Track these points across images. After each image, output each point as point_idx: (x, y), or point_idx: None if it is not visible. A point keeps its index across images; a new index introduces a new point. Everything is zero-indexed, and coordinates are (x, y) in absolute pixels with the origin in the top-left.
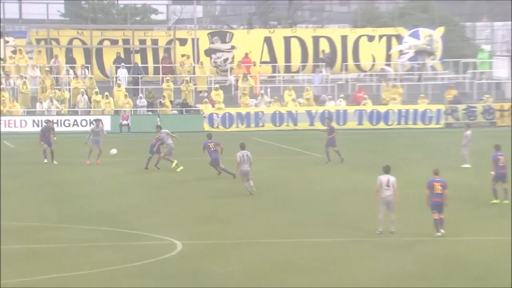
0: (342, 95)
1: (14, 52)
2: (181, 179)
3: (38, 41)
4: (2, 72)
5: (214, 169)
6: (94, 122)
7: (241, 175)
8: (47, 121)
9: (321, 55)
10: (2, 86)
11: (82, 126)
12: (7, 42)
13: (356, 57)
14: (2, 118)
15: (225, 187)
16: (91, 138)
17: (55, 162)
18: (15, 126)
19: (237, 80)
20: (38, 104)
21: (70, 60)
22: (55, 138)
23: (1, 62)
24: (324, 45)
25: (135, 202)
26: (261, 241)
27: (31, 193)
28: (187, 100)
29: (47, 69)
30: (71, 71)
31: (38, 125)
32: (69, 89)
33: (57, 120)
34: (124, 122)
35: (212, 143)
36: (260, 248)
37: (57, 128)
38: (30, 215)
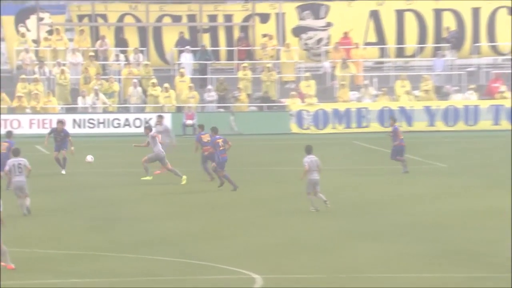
0: (472, 86)
1: (50, 32)
2: (255, 196)
3: (81, 17)
4: (35, 58)
5: (208, 174)
6: (156, 118)
7: (309, 186)
8: (58, 122)
9: (444, 34)
10: (35, 76)
11: (136, 126)
12: (42, 19)
13: (491, 36)
14: (35, 117)
15: (305, 206)
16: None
17: (63, 172)
18: (51, 127)
19: (333, 67)
20: (79, 98)
21: (121, 42)
22: (72, 148)
23: (35, 45)
24: (448, 21)
25: (199, 225)
26: (369, 275)
27: (71, 212)
28: (269, 94)
29: (92, 53)
30: (121, 57)
31: (79, 126)
32: (119, 79)
33: (104, 120)
34: (189, 121)
35: (221, 139)
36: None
37: (104, 129)
38: (72, 241)
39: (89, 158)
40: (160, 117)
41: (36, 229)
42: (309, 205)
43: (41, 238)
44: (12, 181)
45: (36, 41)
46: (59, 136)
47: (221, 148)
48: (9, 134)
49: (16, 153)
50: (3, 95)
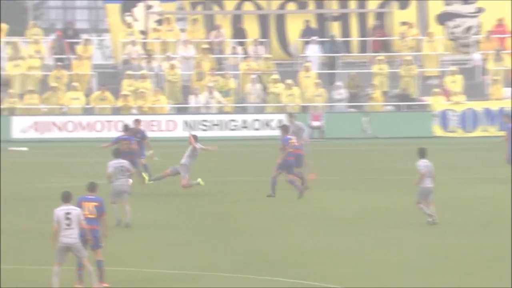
0: None
1: (159, 22)
2: (389, 207)
3: (194, 5)
4: (143, 52)
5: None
6: (289, 114)
7: (420, 194)
8: (135, 121)
9: None
10: (142, 72)
11: (254, 128)
12: (150, 7)
13: None
14: (142, 118)
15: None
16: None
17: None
18: (159, 130)
19: (485, 60)
20: (191, 97)
21: (238, 32)
22: (151, 152)
23: (142, 36)
24: None
25: (326, 242)
26: None
27: (177, 226)
28: (408, 90)
29: (205, 46)
30: (239, 49)
31: (191, 128)
32: (236, 75)
33: (218, 121)
34: (315, 123)
35: (294, 138)
36: None
37: (218, 132)
38: (182, 259)
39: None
40: (291, 116)
41: (138, 245)
42: (426, 217)
43: (145, 255)
44: (112, 185)
45: (144, 32)
46: (137, 138)
47: (291, 150)
48: (125, 128)
49: (117, 154)
50: (107, 93)
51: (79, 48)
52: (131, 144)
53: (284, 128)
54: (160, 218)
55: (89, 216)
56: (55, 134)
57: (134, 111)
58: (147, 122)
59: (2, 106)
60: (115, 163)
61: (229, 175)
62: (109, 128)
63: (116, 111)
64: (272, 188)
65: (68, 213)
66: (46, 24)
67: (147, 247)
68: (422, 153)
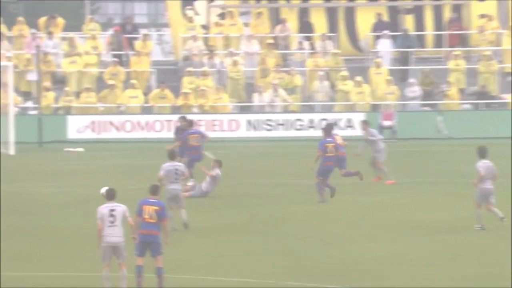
0: None
1: (222, 16)
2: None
3: None
4: (204, 47)
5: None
6: (363, 122)
7: (480, 196)
8: (180, 118)
9: None
10: (204, 68)
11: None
12: (212, 0)
13: None
14: (203, 117)
15: None
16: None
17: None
18: (221, 129)
19: None
20: (255, 95)
21: (305, 26)
22: (206, 153)
23: (204, 31)
24: None
25: (396, 249)
26: None
27: (240, 231)
28: (487, 88)
29: (270, 41)
30: (305, 44)
31: (255, 128)
32: (303, 71)
33: (283, 121)
34: (387, 122)
35: (333, 144)
36: None
37: (283, 132)
38: (246, 266)
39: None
40: (365, 123)
41: (198, 251)
42: (475, 222)
43: (205, 261)
44: (167, 189)
45: (206, 27)
46: (185, 138)
47: (329, 154)
48: (190, 123)
49: (173, 156)
50: (167, 91)
51: (137, 44)
52: (203, 138)
53: (325, 129)
54: (221, 222)
55: (149, 220)
56: (112, 134)
57: (195, 110)
58: (209, 121)
59: (57, 105)
60: (169, 165)
61: (295, 177)
62: (169, 127)
63: (176, 110)
64: (320, 194)
65: (112, 210)
66: (104, 19)
67: (208, 253)
68: (482, 153)
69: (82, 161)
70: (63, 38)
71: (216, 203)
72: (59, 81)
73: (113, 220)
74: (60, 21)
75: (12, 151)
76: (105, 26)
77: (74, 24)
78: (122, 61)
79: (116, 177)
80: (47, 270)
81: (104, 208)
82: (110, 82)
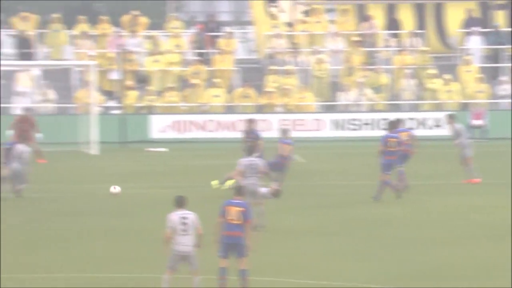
0: None
1: (306, 13)
2: None
3: None
4: (288, 45)
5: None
6: (448, 116)
7: None
8: (248, 121)
9: None
10: (288, 67)
11: (408, 128)
12: None
13: None
14: (287, 116)
15: None
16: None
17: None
18: (306, 129)
19: None
20: (340, 94)
21: (392, 23)
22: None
23: (288, 29)
24: None
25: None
26: None
27: (335, 236)
28: None
29: (356, 38)
30: (392, 41)
31: (340, 127)
32: (390, 70)
33: (370, 120)
34: (477, 122)
35: (395, 138)
36: None
37: (370, 132)
38: (339, 271)
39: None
40: (451, 117)
41: (285, 253)
42: None
43: (292, 264)
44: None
45: (290, 25)
46: (249, 139)
47: (391, 149)
48: (285, 132)
49: (251, 151)
50: (250, 90)
51: (221, 42)
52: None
53: (389, 124)
54: (310, 224)
55: (234, 222)
56: (195, 133)
57: (278, 109)
58: (293, 120)
59: (140, 104)
60: (246, 160)
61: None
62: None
63: (260, 109)
64: (379, 192)
65: (184, 218)
66: (187, 17)
67: (295, 256)
68: None
69: (165, 161)
70: (146, 37)
71: (306, 205)
72: (142, 80)
73: (185, 229)
74: (143, 19)
75: (95, 150)
76: (188, 24)
77: (157, 22)
78: (205, 59)
79: (198, 177)
80: (133, 271)
81: (175, 216)
82: (193, 81)
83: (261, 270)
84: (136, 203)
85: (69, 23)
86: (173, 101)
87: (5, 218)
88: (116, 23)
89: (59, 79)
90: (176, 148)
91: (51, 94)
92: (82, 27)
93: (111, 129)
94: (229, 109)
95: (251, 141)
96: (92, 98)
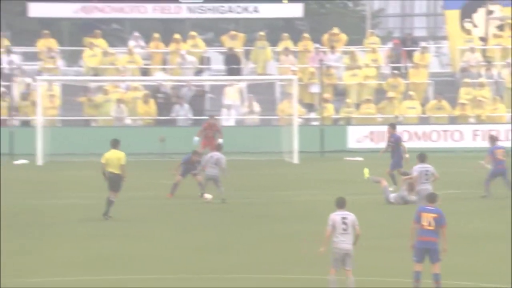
0: None
1: (500, 27)
2: None
3: None
4: (482, 59)
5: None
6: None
7: None
8: (390, 125)
9: None
10: (481, 80)
11: None
12: (491, 13)
13: None
14: (480, 127)
15: None
16: None
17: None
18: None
19: None
20: None
21: None
22: (407, 155)
23: (482, 43)
24: None
25: None
26: None
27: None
28: None
29: None
30: None
31: None
32: None
33: None
34: None
35: (502, 150)
36: None
37: None
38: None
39: (207, 196)
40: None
41: (472, 257)
42: None
43: (481, 268)
44: (418, 189)
45: (484, 39)
46: (390, 143)
47: (500, 158)
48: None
49: (422, 158)
50: (444, 102)
51: (416, 56)
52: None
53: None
54: (505, 229)
55: (428, 228)
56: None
57: (471, 120)
58: (485, 131)
59: (338, 116)
60: (420, 167)
61: None
62: (445, 138)
63: (453, 120)
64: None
65: (344, 218)
66: (384, 32)
67: (483, 260)
68: None
69: (360, 170)
70: (345, 52)
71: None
72: (340, 93)
73: (346, 228)
74: (343, 36)
75: (296, 160)
76: (384, 40)
77: (356, 39)
78: (401, 73)
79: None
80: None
81: (336, 216)
82: (390, 94)
83: (453, 274)
84: (329, 209)
85: (273, 41)
86: (369, 112)
87: (208, 221)
88: (317, 40)
89: (263, 93)
90: (371, 158)
91: (256, 107)
92: (286, 44)
93: (311, 140)
94: (423, 120)
95: (391, 145)
96: (294, 110)
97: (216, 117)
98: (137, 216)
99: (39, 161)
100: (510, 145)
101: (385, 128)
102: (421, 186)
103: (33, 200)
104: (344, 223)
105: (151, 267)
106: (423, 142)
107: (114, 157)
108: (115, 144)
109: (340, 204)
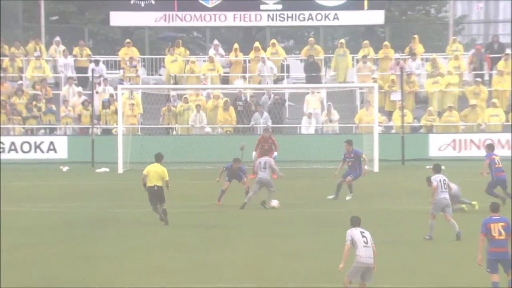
0: None
1: None
2: None
3: None
4: None
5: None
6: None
7: None
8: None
9: None
10: None
11: None
12: None
13: None
14: None
15: None
16: None
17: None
18: None
19: None
20: None
21: None
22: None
23: None
24: None
25: None
26: None
27: None
28: None
29: None
30: None
31: None
32: None
33: None
34: None
35: (498, 156)
36: None
37: None
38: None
39: (274, 203)
40: (348, 142)
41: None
42: None
43: None
44: (438, 198)
45: None
46: (349, 158)
47: (497, 166)
48: (349, 142)
49: (438, 169)
50: None
51: (499, 63)
52: None
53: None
54: None
55: (499, 238)
56: (473, 152)
57: None
58: None
59: (419, 124)
60: (437, 177)
61: None
62: None
63: None
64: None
65: (362, 232)
66: (467, 39)
67: None
68: None
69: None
70: (426, 59)
71: None
72: (422, 101)
73: (366, 241)
74: (424, 43)
75: (376, 168)
76: (467, 47)
77: (438, 45)
78: (484, 80)
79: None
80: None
81: (354, 230)
82: (472, 101)
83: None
84: (410, 218)
85: (354, 48)
86: (452, 120)
87: (298, 229)
88: (397, 47)
89: (343, 100)
90: (453, 166)
91: (335, 115)
92: (366, 51)
93: (391, 148)
94: (506, 128)
95: (351, 161)
96: (375, 118)
97: (270, 130)
98: (223, 224)
99: (120, 169)
100: None
101: (468, 137)
102: (440, 195)
103: (114, 209)
104: (364, 236)
105: (239, 274)
106: (506, 150)
107: (156, 170)
108: (158, 158)
109: (355, 223)
